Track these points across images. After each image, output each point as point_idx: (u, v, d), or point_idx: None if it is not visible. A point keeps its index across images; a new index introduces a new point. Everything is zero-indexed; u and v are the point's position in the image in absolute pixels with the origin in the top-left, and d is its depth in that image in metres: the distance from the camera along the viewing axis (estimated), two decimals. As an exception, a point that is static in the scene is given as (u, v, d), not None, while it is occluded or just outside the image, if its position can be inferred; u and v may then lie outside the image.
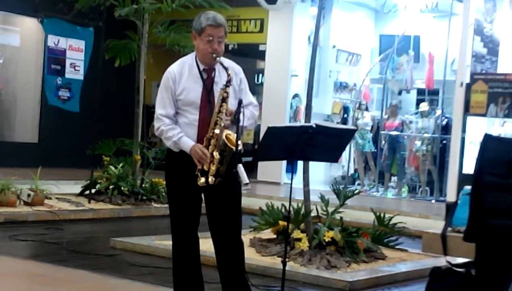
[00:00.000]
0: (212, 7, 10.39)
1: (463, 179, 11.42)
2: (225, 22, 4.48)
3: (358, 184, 15.52)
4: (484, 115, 12.08)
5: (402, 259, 7.28)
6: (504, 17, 13.35)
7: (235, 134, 4.31)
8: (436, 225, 8.97)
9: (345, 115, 16.46)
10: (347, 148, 15.10)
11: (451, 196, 11.96)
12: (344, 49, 16.70)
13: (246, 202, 9.79)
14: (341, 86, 16.77)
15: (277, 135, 4.48)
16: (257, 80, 18.35)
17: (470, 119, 12.32)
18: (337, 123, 15.23)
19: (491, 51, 12.98)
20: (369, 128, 15.52)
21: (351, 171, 16.14)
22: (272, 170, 14.89)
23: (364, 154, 15.59)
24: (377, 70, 16.36)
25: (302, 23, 15.74)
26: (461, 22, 12.76)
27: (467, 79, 12.24)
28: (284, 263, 4.61)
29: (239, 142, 4.27)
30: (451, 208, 3.77)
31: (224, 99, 4.34)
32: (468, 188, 3.35)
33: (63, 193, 10.30)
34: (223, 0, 10.95)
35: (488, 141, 3.24)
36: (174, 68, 4.51)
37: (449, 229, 3.85)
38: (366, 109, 15.66)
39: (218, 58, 4.38)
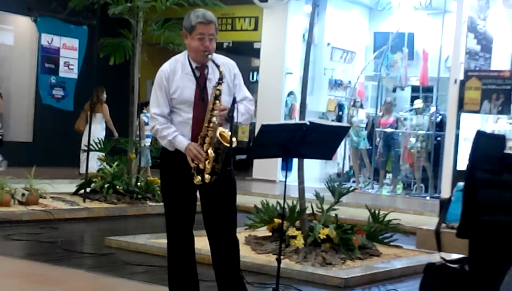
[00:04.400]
0: (206, 5, 10.36)
1: (457, 175, 11.44)
2: (216, 19, 4.46)
3: (353, 181, 15.53)
4: (478, 112, 12.11)
5: (397, 255, 7.30)
6: (497, 14, 13.39)
7: (229, 132, 4.31)
8: (430, 222, 8.96)
9: (340, 113, 16.48)
10: (342, 145, 15.13)
11: (445, 193, 11.98)
12: (339, 46, 16.71)
13: (242, 200, 9.75)
14: (335, 84, 16.79)
15: (271, 133, 4.49)
16: (252, 78, 18.35)
17: (464, 116, 12.35)
18: (332, 120, 15.24)
19: (485, 48, 13.02)
20: (364, 125, 15.53)
21: (346, 168, 16.16)
22: (267, 168, 14.89)
23: (359, 151, 15.60)
24: (371, 68, 16.37)
25: (297, 21, 15.74)
26: (455, 20, 12.78)
27: (461, 76, 12.26)
28: (278, 261, 4.62)
29: (233, 139, 4.28)
30: (444, 205, 3.78)
31: (216, 97, 4.34)
32: (461, 184, 3.37)
33: (57, 192, 10.25)
34: (218, -2, 10.93)
35: (481, 137, 3.25)
36: (166, 66, 4.50)
37: (443, 225, 3.86)
38: (361, 106, 15.67)
39: (210, 56, 4.38)
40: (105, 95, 12.16)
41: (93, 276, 6.00)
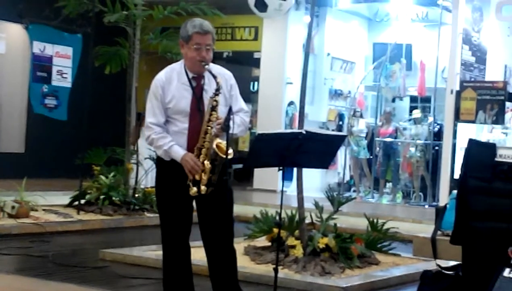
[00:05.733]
0: (205, 14, 10.25)
1: (454, 184, 11.47)
2: (213, 29, 4.42)
3: (354, 191, 15.52)
4: (473, 121, 12.19)
5: (395, 263, 7.28)
6: (491, 27, 13.45)
7: (226, 143, 4.28)
8: (428, 229, 8.90)
9: (340, 123, 16.49)
10: (343, 154, 15.13)
11: (443, 201, 11.98)
12: (339, 57, 16.71)
13: (241, 210, 9.71)
14: (336, 94, 16.78)
15: (267, 142, 4.45)
16: (252, 88, 18.34)
17: (460, 125, 12.41)
18: (333, 130, 15.23)
19: (479, 59, 13.14)
20: (364, 135, 15.53)
21: (347, 178, 16.14)
22: (268, 178, 14.80)
23: (360, 161, 15.59)
24: (371, 78, 16.38)
25: (297, 31, 15.73)
26: (450, 32, 12.84)
27: (457, 87, 12.35)
28: (275, 270, 4.56)
29: (230, 150, 4.24)
30: (440, 212, 3.78)
31: (213, 108, 4.31)
32: (456, 192, 3.38)
33: (50, 204, 9.87)
34: (217, 8, 10.83)
35: (472, 146, 3.26)
36: (162, 75, 4.47)
37: (439, 232, 3.85)
38: (361, 116, 15.67)
39: (206, 66, 4.35)
40: None
41: (85, 290, 5.79)
